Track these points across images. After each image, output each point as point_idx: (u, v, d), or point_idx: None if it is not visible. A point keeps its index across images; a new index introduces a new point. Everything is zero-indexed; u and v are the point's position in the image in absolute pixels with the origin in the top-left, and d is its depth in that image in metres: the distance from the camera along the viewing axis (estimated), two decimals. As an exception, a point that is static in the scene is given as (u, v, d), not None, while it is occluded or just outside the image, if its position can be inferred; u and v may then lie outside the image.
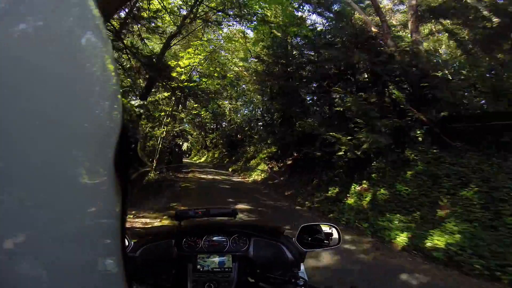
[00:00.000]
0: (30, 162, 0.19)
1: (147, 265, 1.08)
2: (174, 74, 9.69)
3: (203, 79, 13.67)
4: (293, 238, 1.13)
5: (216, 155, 26.78)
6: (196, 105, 18.17)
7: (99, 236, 0.29)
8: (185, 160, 28.12)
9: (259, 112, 19.06)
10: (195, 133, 35.25)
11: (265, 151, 14.22)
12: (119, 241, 0.32)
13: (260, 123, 17.80)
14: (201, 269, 1.08)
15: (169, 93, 10.56)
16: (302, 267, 1.13)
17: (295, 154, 10.03)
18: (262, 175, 12.32)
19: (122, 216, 0.31)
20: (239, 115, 24.61)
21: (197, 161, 32.51)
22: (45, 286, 0.21)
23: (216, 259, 1.10)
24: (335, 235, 1.14)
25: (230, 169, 17.61)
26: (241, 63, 15.37)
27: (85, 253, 0.26)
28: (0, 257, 0.17)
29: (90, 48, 0.28)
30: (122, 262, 0.32)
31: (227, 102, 23.69)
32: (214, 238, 1.16)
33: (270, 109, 13.48)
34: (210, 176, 13.86)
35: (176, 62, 10.53)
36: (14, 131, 0.18)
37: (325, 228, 1.16)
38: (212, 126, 31.47)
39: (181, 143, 15.55)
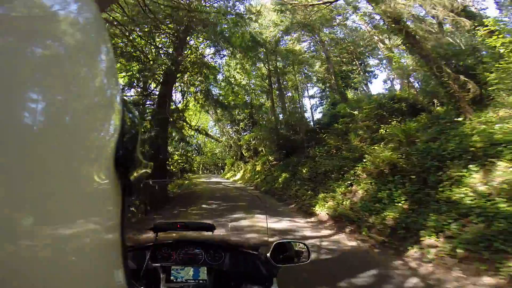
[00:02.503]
0: (29, 162, 0.19)
1: None
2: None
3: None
4: (267, 254, 1.16)
5: (258, 168, 18.72)
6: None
7: (99, 237, 0.28)
8: (200, 179, 22.79)
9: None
10: (223, 140, 28.30)
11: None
12: (119, 241, 0.32)
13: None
14: (174, 280, 1.12)
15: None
16: (275, 282, 1.13)
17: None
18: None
19: (122, 216, 0.32)
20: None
21: (228, 178, 26.31)
22: (43, 284, 0.20)
23: (191, 271, 1.15)
24: (305, 252, 1.22)
25: (316, 208, 7.10)
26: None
27: (85, 253, 0.25)
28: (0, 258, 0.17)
29: (91, 48, 0.28)
30: (122, 262, 0.33)
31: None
32: (190, 251, 1.20)
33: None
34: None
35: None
36: (13, 132, 0.18)
37: (296, 245, 1.23)
38: (246, 121, 24.19)
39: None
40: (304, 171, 10.40)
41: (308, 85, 21.94)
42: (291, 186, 10.34)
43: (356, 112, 10.32)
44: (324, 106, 20.40)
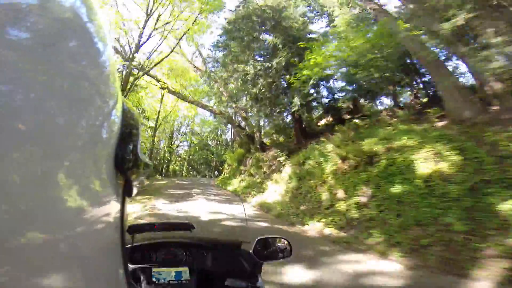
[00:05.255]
0: (29, 163, 0.19)
1: None
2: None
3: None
4: (250, 251, 1.16)
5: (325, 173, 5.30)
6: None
7: (99, 237, 0.28)
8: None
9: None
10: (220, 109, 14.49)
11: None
12: (119, 241, 0.32)
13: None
14: (156, 282, 1.08)
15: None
16: (259, 278, 1.14)
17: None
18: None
19: (122, 216, 0.32)
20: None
21: (237, 192, 12.46)
22: (44, 286, 0.20)
23: (173, 272, 1.11)
24: (288, 247, 1.22)
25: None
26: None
27: (84, 254, 0.25)
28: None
29: (90, 48, 0.28)
30: (122, 262, 0.33)
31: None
32: (170, 251, 1.18)
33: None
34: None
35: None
36: (12, 132, 0.18)
37: (278, 241, 1.24)
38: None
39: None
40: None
41: None
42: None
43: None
44: None
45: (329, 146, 7.45)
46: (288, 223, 5.92)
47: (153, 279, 1.07)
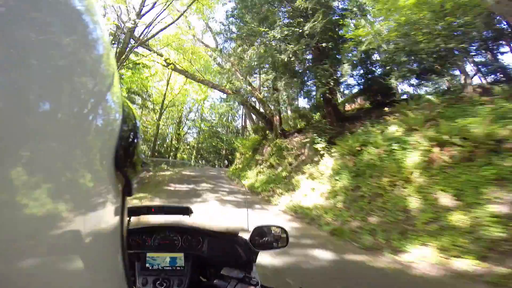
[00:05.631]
0: (29, 162, 0.19)
1: None
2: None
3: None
4: (247, 239, 1.15)
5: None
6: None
7: (99, 237, 0.28)
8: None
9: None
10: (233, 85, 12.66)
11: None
12: (119, 241, 0.32)
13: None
14: (150, 268, 1.08)
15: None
16: (254, 267, 1.14)
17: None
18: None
19: (122, 216, 0.32)
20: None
21: (255, 189, 9.99)
22: (43, 285, 0.21)
23: (167, 258, 1.10)
24: (284, 236, 1.20)
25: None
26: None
27: (84, 253, 0.25)
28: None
29: (91, 47, 0.28)
30: (122, 261, 0.33)
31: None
32: (166, 236, 1.17)
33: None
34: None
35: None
36: (12, 131, 0.18)
37: (275, 230, 1.21)
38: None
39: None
40: None
41: None
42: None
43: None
44: None
45: (393, 129, 5.26)
46: (360, 246, 3.65)
47: (147, 265, 1.06)
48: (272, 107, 13.53)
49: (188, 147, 34.74)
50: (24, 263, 0.18)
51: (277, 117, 13.18)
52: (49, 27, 0.22)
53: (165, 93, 22.78)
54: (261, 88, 15.60)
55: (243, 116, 38.18)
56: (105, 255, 0.30)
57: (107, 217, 0.29)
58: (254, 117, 19.46)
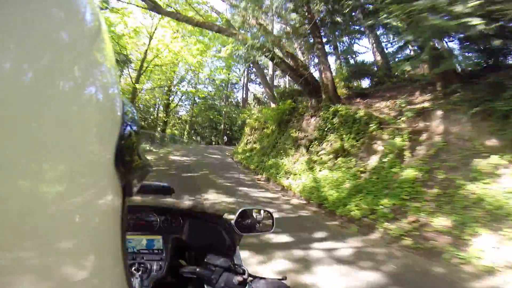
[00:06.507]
0: (27, 162, 0.19)
1: None
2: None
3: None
4: (231, 221, 1.11)
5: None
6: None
7: (99, 236, 0.28)
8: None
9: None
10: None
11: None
12: (119, 241, 0.32)
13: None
14: None
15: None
16: (237, 250, 1.12)
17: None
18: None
19: (122, 216, 0.32)
20: None
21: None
22: (43, 285, 0.21)
23: (144, 240, 1.05)
24: (270, 220, 1.17)
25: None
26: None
27: (84, 254, 0.26)
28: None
29: (91, 46, 0.27)
30: (122, 261, 0.32)
31: None
32: (142, 216, 1.10)
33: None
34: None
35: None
36: (13, 129, 0.18)
37: (261, 213, 1.18)
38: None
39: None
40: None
41: None
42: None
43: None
44: None
45: None
46: None
47: None
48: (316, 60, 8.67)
49: (179, 121, 29.52)
50: (24, 263, 0.18)
51: (328, 74, 8.40)
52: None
53: (146, 50, 17.25)
54: (292, 35, 10.49)
55: (245, 87, 32.81)
56: (104, 255, 0.29)
57: (107, 217, 0.29)
58: (272, 82, 14.44)
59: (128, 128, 0.32)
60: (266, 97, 18.83)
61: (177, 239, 1.07)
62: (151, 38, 17.02)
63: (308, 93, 9.39)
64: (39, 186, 0.20)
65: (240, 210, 1.11)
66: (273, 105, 14.21)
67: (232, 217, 1.09)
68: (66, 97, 0.22)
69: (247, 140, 13.16)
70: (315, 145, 6.79)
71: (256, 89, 31.93)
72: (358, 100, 7.56)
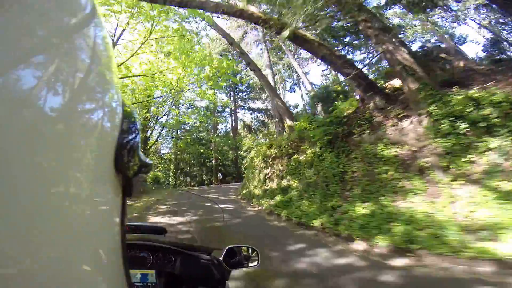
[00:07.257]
0: (29, 162, 0.19)
1: None
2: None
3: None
4: (220, 258, 1.17)
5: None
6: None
7: (99, 237, 0.28)
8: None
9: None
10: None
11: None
12: (119, 241, 0.32)
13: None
14: None
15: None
16: (227, 285, 1.16)
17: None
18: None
19: (122, 216, 0.32)
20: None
21: None
22: (43, 286, 0.21)
23: (138, 274, 1.09)
24: (255, 256, 1.24)
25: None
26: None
27: (85, 254, 0.25)
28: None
29: (91, 48, 0.28)
30: (122, 262, 0.33)
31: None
32: (136, 253, 1.14)
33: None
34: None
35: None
36: (12, 131, 0.18)
37: (246, 250, 1.26)
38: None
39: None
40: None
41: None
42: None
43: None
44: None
45: None
46: None
47: None
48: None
49: (162, 160, 25.10)
50: (23, 264, 0.18)
51: (404, 54, 5.21)
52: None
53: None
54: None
55: (233, 114, 29.46)
56: (105, 255, 0.29)
57: (107, 217, 0.29)
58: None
59: (128, 129, 0.32)
60: (272, 114, 15.30)
61: (169, 274, 1.11)
62: (114, 44, 12.12)
63: (363, 91, 6.19)
64: (41, 187, 0.20)
65: (227, 248, 1.19)
66: (289, 122, 10.74)
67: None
68: (67, 100, 0.22)
69: (265, 175, 9.36)
70: (457, 162, 3.55)
71: (246, 115, 28.76)
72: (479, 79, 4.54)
